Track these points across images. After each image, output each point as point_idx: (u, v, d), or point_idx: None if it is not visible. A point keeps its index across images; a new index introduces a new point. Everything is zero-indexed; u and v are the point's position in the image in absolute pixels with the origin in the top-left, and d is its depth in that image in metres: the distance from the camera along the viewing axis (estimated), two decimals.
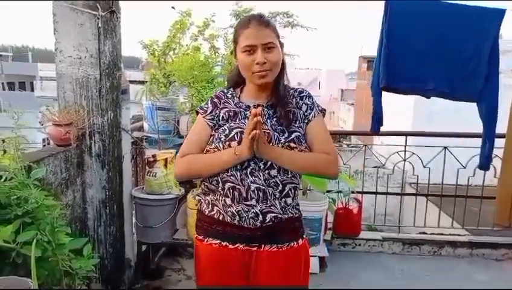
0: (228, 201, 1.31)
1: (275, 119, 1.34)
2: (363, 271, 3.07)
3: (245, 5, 2.95)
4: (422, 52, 2.31)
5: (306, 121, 1.37)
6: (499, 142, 2.74)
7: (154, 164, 2.53)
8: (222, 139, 1.31)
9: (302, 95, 1.41)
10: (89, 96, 2.22)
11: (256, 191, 1.29)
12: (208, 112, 1.39)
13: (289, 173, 1.32)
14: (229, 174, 1.29)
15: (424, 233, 3.69)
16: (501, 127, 2.61)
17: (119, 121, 2.44)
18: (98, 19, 2.14)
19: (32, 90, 27.98)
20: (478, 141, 3.39)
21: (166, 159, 2.57)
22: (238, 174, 1.28)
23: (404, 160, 3.48)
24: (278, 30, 1.35)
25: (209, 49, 3.15)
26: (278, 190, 1.31)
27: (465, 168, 3.45)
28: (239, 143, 1.28)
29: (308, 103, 1.39)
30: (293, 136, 1.32)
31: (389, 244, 3.47)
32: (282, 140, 1.31)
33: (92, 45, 2.18)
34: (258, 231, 1.32)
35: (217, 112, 1.38)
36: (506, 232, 3.39)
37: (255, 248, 1.34)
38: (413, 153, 3.44)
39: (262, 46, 1.27)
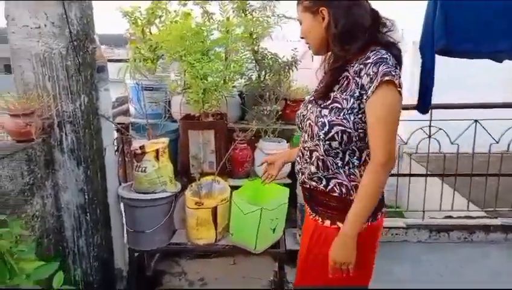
0: None
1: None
2: (388, 265, 2.70)
3: None
4: (488, 6, 1.82)
5: (365, 96, 1.21)
6: None
7: (142, 157, 2.08)
8: None
9: (367, 61, 1.22)
10: (54, 76, 1.74)
11: (299, 150, 1.43)
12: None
13: (314, 140, 1.31)
14: (301, 131, 1.43)
15: (451, 217, 3.32)
16: None
17: (96, 106, 1.97)
18: None
19: None
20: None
21: (157, 151, 2.12)
22: (302, 132, 1.42)
23: (430, 136, 3.06)
24: (310, 0, 1.29)
25: (202, 15, 2.64)
26: (307, 155, 1.36)
27: (497, 142, 3.04)
28: (303, 104, 1.42)
29: (371, 73, 1.19)
30: (330, 106, 1.27)
31: (414, 232, 3.10)
32: (315, 112, 1.31)
33: (54, 10, 1.68)
34: (303, 189, 1.42)
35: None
36: None
37: (308, 209, 1.44)
38: (440, 129, 3.02)
39: (299, 21, 1.37)
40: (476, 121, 3.03)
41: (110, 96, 2.16)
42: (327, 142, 1.26)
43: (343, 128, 1.23)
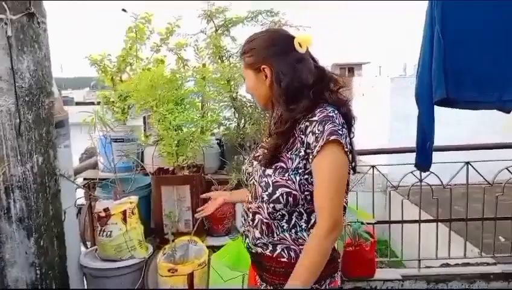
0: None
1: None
2: None
3: (217, 3, 2.33)
4: (494, 46, 1.62)
5: (311, 155, 1.13)
6: None
7: (107, 220, 1.85)
8: None
9: (313, 119, 1.14)
10: (1, 136, 1.53)
11: (244, 211, 1.30)
12: None
13: (257, 201, 1.20)
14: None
15: (448, 265, 3.11)
16: None
17: (53, 166, 1.76)
18: (6, 24, 1.47)
19: None
20: (502, 153, 2.91)
21: (124, 212, 1.89)
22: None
23: (421, 180, 2.90)
24: (256, 54, 1.23)
25: (176, 61, 2.51)
26: (250, 217, 1.25)
27: (491, 185, 2.90)
28: (248, 161, 1.34)
29: (316, 131, 1.12)
30: (274, 165, 1.17)
31: (411, 283, 2.86)
32: (258, 170, 1.22)
33: (1, 62, 1.50)
34: (252, 257, 1.29)
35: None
36: None
37: (257, 278, 1.29)
38: (431, 172, 2.86)
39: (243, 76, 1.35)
40: (467, 163, 2.89)
41: (71, 153, 1.95)
42: (271, 204, 1.16)
43: (288, 189, 1.13)
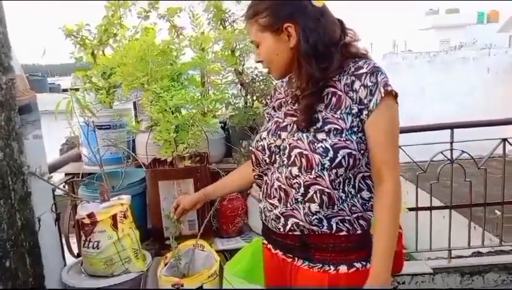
0: (260, 195, 1.25)
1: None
2: None
3: None
4: None
5: (365, 110, 1.06)
6: None
7: (93, 229, 1.47)
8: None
9: (360, 72, 1.07)
10: None
11: (278, 190, 1.15)
12: (267, 105, 1.34)
13: (313, 171, 1.07)
14: (265, 167, 1.20)
15: (480, 253, 2.81)
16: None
17: (20, 163, 1.36)
18: None
19: None
20: None
21: (114, 216, 1.51)
22: (271, 167, 1.18)
23: (452, 161, 2.56)
24: (274, 13, 1.09)
25: (169, 30, 2.09)
26: (300, 193, 1.10)
27: None
28: (271, 134, 1.18)
29: (369, 84, 1.06)
30: (324, 128, 1.07)
31: (443, 277, 2.57)
32: (306, 138, 1.09)
33: None
34: (287, 239, 1.17)
35: (272, 103, 1.29)
36: None
37: (289, 259, 1.20)
38: (463, 152, 2.53)
39: (254, 43, 1.18)
40: (504, 140, 2.55)
41: (43, 145, 1.55)
42: (333, 170, 1.06)
43: (349, 150, 1.06)
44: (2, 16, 1.30)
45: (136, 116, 2.31)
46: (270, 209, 1.19)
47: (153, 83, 1.74)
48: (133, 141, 2.13)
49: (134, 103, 2.78)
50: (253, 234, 1.93)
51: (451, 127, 2.52)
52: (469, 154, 2.53)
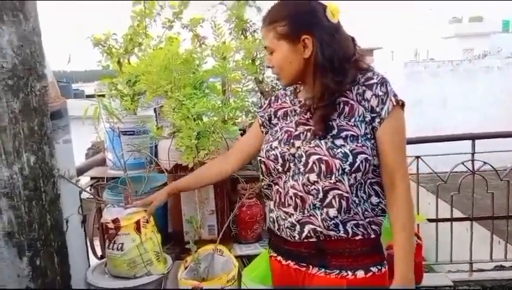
0: (271, 205, 1.25)
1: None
2: None
3: None
4: None
5: (378, 118, 1.11)
6: None
7: (117, 233, 1.52)
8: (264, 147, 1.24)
9: (370, 82, 1.12)
10: None
11: (293, 198, 1.16)
12: (262, 108, 1.36)
13: (332, 176, 1.09)
14: (276, 176, 1.20)
15: (502, 267, 2.75)
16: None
17: (50, 166, 1.43)
18: None
19: None
20: None
21: (138, 221, 1.56)
22: (283, 176, 1.19)
23: (473, 172, 2.53)
24: (293, 23, 1.12)
25: (192, 39, 2.15)
26: (318, 199, 1.12)
27: None
28: (283, 143, 1.19)
29: (380, 93, 1.11)
30: (341, 135, 1.11)
31: None
32: (324, 144, 1.11)
33: None
34: (301, 247, 1.18)
35: (270, 109, 1.32)
36: None
37: (303, 268, 1.20)
38: (485, 163, 2.49)
39: (267, 49, 1.20)
40: None
41: (72, 149, 1.62)
42: (353, 174, 1.10)
43: (366, 155, 1.10)
44: (38, 26, 1.37)
45: (156, 122, 2.38)
46: (284, 217, 1.19)
47: (176, 90, 1.79)
48: (155, 146, 2.19)
49: (155, 110, 2.85)
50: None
51: (473, 138, 2.49)
52: (491, 166, 2.50)
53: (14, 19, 1.25)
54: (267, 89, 2.10)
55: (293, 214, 1.17)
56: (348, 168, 1.09)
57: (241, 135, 2.24)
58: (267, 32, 1.17)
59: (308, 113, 1.18)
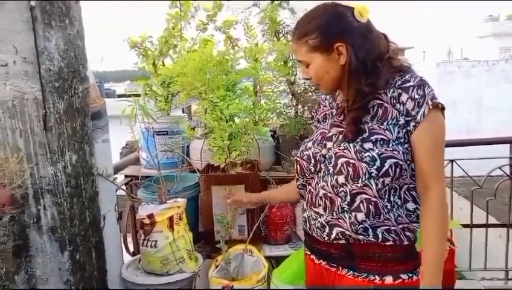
0: (304, 204, 1.26)
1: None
2: None
3: None
4: None
5: (413, 122, 1.08)
6: None
7: (152, 229, 1.57)
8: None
9: (407, 85, 1.09)
10: (27, 130, 1.27)
11: (323, 198, 1.16)
12: (313, 118, 1.38)
13: (360, 180, 1.08)
14: (309, 176, 1.22)
15: None
16: None
17: (90, 165, 1.49)
18: None
19: None
20: None
21: (171, 218, 1.61)
22: (315, 176, 1.20)
23: (511, 177, 2.44)
24: (324, 33, 1.11)
25: (224, 41, 2.18)
26: (346, 202, 1.12)
27: None
28: (316, 144, 1.20)
29: (416, 96, 1.08)
30: (371, 138, 1.09)
31: None
32: (352, 147, 1.10)
33: (24, 40, 1.23)
34: (331, 248, 1.18)
35: (317, 116, 1.33)
36: None
37: (333, 269, 1.19)
38: None
39: (302, 62, 1.19)
40: None
41: (110, 149, 1.68)
42: (380, 179, 1.08)
43: (396, 160, 1.07)
44: (82, 30, 1.44)
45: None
46: (315, 217, 1.20)
47: (209, 92, 1.82)
48: (188, 147, 2.24)
49: (183, 111, 2.91)
50: (300, 243, 1.95)
51: (511, 141, 2.40)
52: None
53: (61, 24, 1.31)
54: (298, 91, 2.10)
55: (322, 215, 1.17)
56: (375, 172, 1.07)
57: (271, 136, 2.26)
58: (298, 47, 1.17)
59: (342, 116, 1.18)
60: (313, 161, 1.19)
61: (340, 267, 1.18)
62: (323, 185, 1.16)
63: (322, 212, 1.17)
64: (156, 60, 2.18)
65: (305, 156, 1.22)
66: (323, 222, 1.16)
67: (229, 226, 1.85)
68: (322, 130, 1.23)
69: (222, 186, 1.85)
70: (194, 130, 2.25)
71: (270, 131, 2.26)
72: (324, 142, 1.19)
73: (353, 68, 1.10)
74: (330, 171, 1.14)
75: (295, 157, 1.28)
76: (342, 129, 1.16)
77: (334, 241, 1.16)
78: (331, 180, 1.14)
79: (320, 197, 1.17)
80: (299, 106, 2.14)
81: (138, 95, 2.25)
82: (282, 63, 2.06)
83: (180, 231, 1.66)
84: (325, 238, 1.17)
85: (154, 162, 1.90)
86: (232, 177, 1.86)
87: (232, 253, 1.77)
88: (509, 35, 19.06)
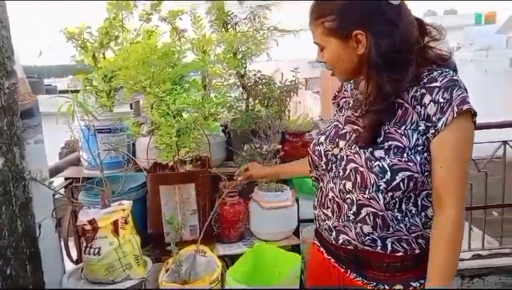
0: (315, 201, 1.20)
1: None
2: None
3: None
4: None
5: (432, 129, 0.94)
6: None
7: (94, 235, 1.45)
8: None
9: (432, 85, 0.94)
10: None
11: (331, 201, 1.11)
12: (334, 97, 1.23)
13: (366, 191, 0.99)
14: (321, 172, 1.15)
15: (480, 256, 2.81)
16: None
17: (21, 168, 1.34)
18: None
19: None
20: None
21: (115, 222, 1.50)
22: (327, 174, 1.13)
23: None
24: (344, 17, 0.97)
25: (170, 32, 2.07)
26: (353, 210, 1.04)
27: None
28: (329, 140, 1.12)
29: (441, 100, 0.93)
30: (385, 144, 0.97)
31: None
32: (363, 153, 1.00)
33: None
34: (340, 251, 1.12)
35: (339, 97, 1.21)
36: None
37: (342, 270, 1.14)
38: None
39: (317, 44, 1.07)
40: (504, 142, 2.55)
41: (44, 150, 1.53)
42: (389, 193, 0.98)
43: (410, 173, 0.95)
44: (6, 20, 1.28)
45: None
46: (323, 219, 1.16)
47: (154, 86, 1.72)
48: (133, 145, 2.11)
49: (131, 105, 2.76)
50: (254, 239, 1.92)
51: None
52: None
53: None
54: (249, 84, 2.05)
55: (330, 218, 1.12)
56: (383, 185, 0.97)
57: (223, 131, 2.19)
58: (314, 28, 1.04)
59: (359, 111, 1.06)
60: (324, 159, 1.13)
61: (349, 271, 1.13)
62: (332, 187, 1.11)
63: (330, 215, 1.13)
64: (96, 52, 2.02)
65: (317, 152, 1.15)
66: (331, 226, 1.12)
67: (180, 227, 1.78)
68: (336, 123, 1.15)
69: (171, 186, 1.76)
70: (140, 126, 2.13)
71: (221, 126, 2.19)
72: (337, 139, 1.11)
73: (373, 61, 0.97)
74: (340, 174, 1.07)
75: (308, 149, 1.20)
76: (356, 127, 1.06)
77: (342, 246, 1.11)
78: (339, 184, 1.07)
79: (329, 199, 1.12)
80: (250, 99, 2.09)
81: (78, 91, 2.09)
82: (232, 55, 1.99)
83: (126, 235, 1.55)
84: (333, 242, 1.14)
85: (97, 163, 1.76)
86: (182, 175, 1.78)
87: (184, 255, 1.70)
88: (446, 29, 20.26)
